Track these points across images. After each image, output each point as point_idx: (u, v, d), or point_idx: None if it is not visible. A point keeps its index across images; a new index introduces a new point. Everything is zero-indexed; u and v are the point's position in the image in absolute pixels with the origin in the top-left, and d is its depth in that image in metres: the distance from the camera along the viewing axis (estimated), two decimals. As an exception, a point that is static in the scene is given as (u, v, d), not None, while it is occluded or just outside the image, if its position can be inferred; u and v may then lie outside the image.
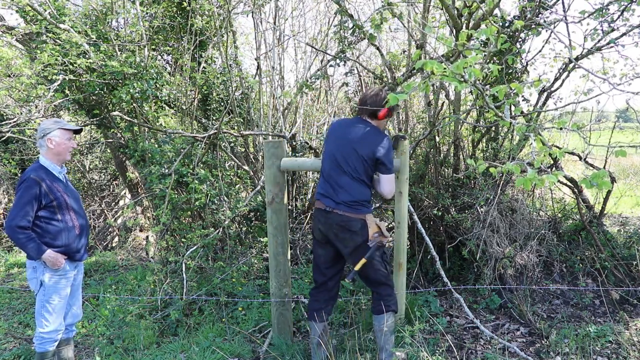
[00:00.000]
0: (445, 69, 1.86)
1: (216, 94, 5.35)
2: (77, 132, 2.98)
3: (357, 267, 2.77)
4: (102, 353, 3.55)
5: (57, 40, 4.22)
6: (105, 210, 7.62)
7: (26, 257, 2.86)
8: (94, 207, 7.65)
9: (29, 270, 2.86)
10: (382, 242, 2.78)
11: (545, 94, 4.01)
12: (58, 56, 4.10)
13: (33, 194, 2.68)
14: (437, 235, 4.37)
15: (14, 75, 4.68)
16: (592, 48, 3.58)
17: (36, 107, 4.27)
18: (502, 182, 3.99)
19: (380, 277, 2.87)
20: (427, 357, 2.87)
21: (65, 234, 2.83)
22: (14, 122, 4.33)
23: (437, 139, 4.31)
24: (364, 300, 3.91)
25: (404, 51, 4.73)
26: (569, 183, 4.33)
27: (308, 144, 4.47)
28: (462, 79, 1.92)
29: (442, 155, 4.46)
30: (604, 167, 4.18)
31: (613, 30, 3.47)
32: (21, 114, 4.62)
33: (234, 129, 5.07)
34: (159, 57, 5.69)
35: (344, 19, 3.70)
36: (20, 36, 4.72)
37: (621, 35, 3.49)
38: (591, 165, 4.18)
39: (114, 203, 7.87)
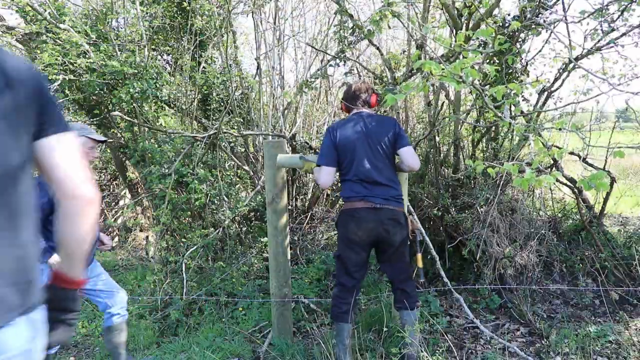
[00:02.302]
0: (443, 69, 1.86)
1: (216, 94, 5.35)
2: (101, 142, 2.99)
3: (420, 264, 2.87)
4: (102, 353, 3.55)
5: (57, 40, 4.22)
6: (105, 210, 7.62)
7: None
8: (94, 207, 7.63)
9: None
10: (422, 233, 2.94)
11: (545, 94, 4.01)
12: (58, 56, 4.10)
13: (46, 197, 2.67)
14: (437, 235, 4.37)
15: (14, 75, 4.67)
16: (592, 48, 3.57)
17: (36, 107, 4.27)
18: (502, 182, 3.99)
19: (411, 272, 2.92)
20: (427, 357, 2.87)
21: None
22: (14, 122, 4.33)
23: (437, 139, 4.31)
24: (363, 301, 3.91)
25: (404, 51, 4.73)
26: (569, 183, 4.32)
27: (308, 143, 4.47)
28: (461, 80, 1.92)
29: (442, 155, 4.46)
30: (604, 168, 4.17)
31: (613, 30, 3.46)
32: (21, 114, 4.62)
33: (234, 129, 5.07)
34: (159, 57, 5.69)
35: (344, 19, 3.70)
36: (20, 36, 4.72)
37: (621, 35, 3.49)
38: (591, 165, 4.17)
39: (114, 203, 7.87)
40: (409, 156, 2.83)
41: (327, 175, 2.82)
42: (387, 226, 2.73)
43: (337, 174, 2.93)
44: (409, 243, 2.90)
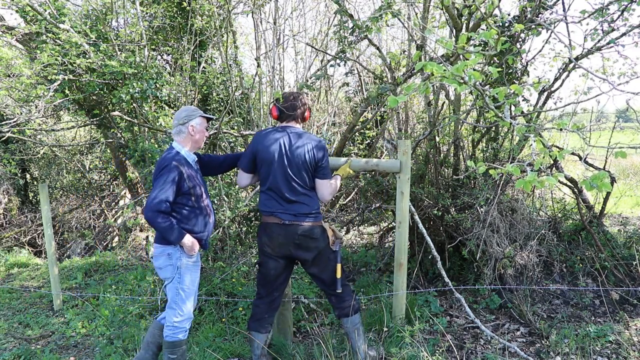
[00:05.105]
0: (445, 70, 1.86)
1: (216, 94, 5.34)
2: (209, 120, 2.98)
3: (338, 275, 2.92)
4: (102, 353, 3.55)
5: (57, 40, 4.21)
6: (105, 210, 7.63)
7: (156, 244, 2.76)
8: (94, 207, 7.65)
9: (161, 257, 2.74)
10: (342, 242, 2.97)
11: (545, 94, 4.01)
12: (58, 56, 4.10)
13: (174, 179, 2.63)
14: (437, 235, 4.37)
15: (14, 75, 4.67)
16: (592, 48, 3.58)
17: (36, 107, 4.27)
18: (502, 182, 3.99)
19: (344, 279, 2.99)
20: (427, 357, 2.88)
21: (201, 221, 2.81)
22: (14, 122, 4.33)
23: (437, 139, 4.31)
24: (364, 300, 3.92)
25: (404, 51, 4.73)
26: (569, 183, 4.33)
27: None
28: (462, 81, 1.92)
29: (442, 155, 4.46)
30: (604, 168, 4.18)
31: (613, 30, 3.46)
32: (21, 114, 4.63)
33: (234, 129, 5.07)
34: (159, 57, 5.69)
35: (344, 19, 3.70)
36: (20, 36, 4.72)
37: (621, 35, 3.49)
38: (591, 165, 4.18)
39: (114, 203, 7.87)
40: (321, 188, 2.89)
41: (241, 178, 3.00)
42: (297, 241, 2.82)
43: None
44: (333, 252, 2.94)
